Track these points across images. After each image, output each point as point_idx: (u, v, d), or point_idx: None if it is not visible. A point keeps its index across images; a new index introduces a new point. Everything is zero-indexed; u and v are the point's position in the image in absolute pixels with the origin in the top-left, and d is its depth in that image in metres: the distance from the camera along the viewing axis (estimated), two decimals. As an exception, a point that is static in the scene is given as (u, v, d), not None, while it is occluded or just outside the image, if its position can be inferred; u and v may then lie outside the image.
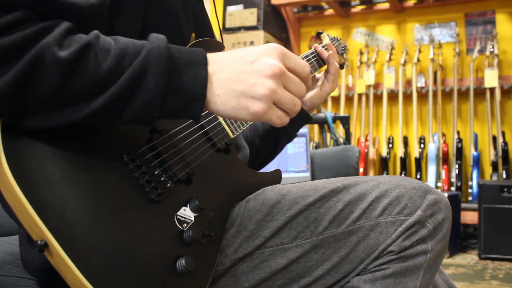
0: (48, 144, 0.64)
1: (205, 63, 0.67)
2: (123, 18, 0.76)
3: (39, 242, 0.59)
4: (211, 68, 0.67)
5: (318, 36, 1.32)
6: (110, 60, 0.63)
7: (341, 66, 1.33)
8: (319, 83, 1.21)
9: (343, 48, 1.33)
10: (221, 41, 1.00)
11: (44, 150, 0.64)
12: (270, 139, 1.18)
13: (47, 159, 0.63)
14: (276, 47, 0.69)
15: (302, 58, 1.15)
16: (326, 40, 1.29)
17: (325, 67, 1.22)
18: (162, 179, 0.73)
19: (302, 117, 1.19)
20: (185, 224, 0.73)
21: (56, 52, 0.60)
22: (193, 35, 0.91)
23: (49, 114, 0.62)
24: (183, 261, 0.69)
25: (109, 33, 0.73)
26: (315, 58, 1.20)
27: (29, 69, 0.59)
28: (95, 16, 0.70)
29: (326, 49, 1.22)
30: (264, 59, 0.67)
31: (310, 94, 1.19)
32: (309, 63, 1.16)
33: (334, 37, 1.32)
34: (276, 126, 0.69)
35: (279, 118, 0.68)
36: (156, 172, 0.72)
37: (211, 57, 0.69)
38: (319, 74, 1.23)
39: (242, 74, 0.67)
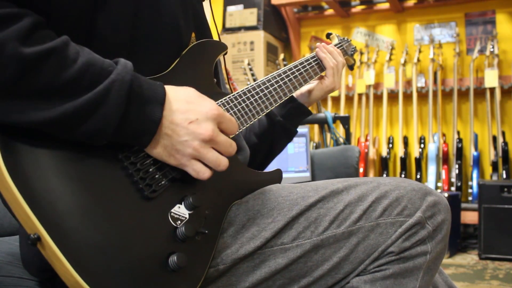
0: (44, 140, 0.66)
1: (162, 103, 0.72)
2: (108, 14, 0.76)
3: (32, 235, 0.61)
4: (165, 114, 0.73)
5: (328, 37, 1.31)
6: (72, 71, 0.65)
7: (351, 67, 1.32)
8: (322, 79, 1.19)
9: (353, 49, 1.32)
10: None
11: (39, 146, 0.65)
12: (267, 135, 1.16)
13: (42, 155, 0.65)
14: (215, 114, 0.76)
15: (302, 62, 1.14)
16: (335, 40, 1.28)
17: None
18: (157, 176, 0.74)
19: (299, 110, 1.16)
20: (179, 221, 0.74)
21: (18, 46, 0.61)
22: (193, 34, 0.91)
23: None
24: (175, 257, 0.70)
25: (91, 29, 0.74)
26: (316, 61, 1.18)
27: None
28: (70, 7, 0.70)
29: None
30: (200, 123, 0.74)
31: (311, 85, 1.17)
32: (309, 67, 1.14)
33: (343, 38, 1.31)
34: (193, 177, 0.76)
35: (196, 171, 0.75)
36: (150, 170, 0.73)
37: (169, 100, 0.74)
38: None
39: (178, 128, 0.73)
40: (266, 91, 0.99)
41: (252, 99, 0.95)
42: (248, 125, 0.93)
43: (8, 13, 0.61)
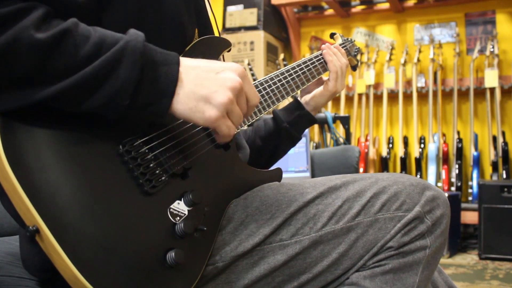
0: (45, 132, 0.66)
1: (177, 63, 0.70)
2: (113, 14, 0.77)
3: (30, 227, 0.61)
4: (182, 74, 0.70)
5: (332, 36, 1.31)
6: (88, 47, 0.65)
7: (354, 68, 1.32)
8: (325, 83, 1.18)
9: (356, 50, 1.31)
10: None
11: (40, 138, 0.65)
12: (272, 140, 1.17)
13: (43, 147, 0.65)
14: (240, 68, 0.74)
15: (312, 58, 1.14)
16: (339, 40, 1.28)
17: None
18: (157, 172, 0.74)
19: (305, 118, 1.17)
20: (178, 218, 0.74)
21: (33, 34, 0.62)
22: (196, 31, 0.91)
23: (18, 93, 0.63)
24: (173, 253, 0.70)
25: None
26: (320, 62, 1.17)
27: (5, 50, 0.60)
28: (80, 7, 0.71)
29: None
30: (229, 72, 0.72)
31: (313, 93, 1.17)
32: (313, 66, 1.15)
33: (347, 38, 1.30)
34: (222, 137, 0.74)
35: (228, 128, 0.72)
36: (151, 165, 0.73)
37: (181, 59, 0.72)
38: (327, 77, 1.21)
39: (207, 80, 0.71)
40: (268, 89, 1.00)
41: None
42: (251, 122, 0.94)
43: (19, 8, 0.63)
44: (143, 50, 0.67)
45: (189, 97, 0.70)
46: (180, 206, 0.75)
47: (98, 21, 0.75)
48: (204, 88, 0.70)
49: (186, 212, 0.76)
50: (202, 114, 0.70)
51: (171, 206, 0.74)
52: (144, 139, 0.75)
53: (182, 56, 0.84)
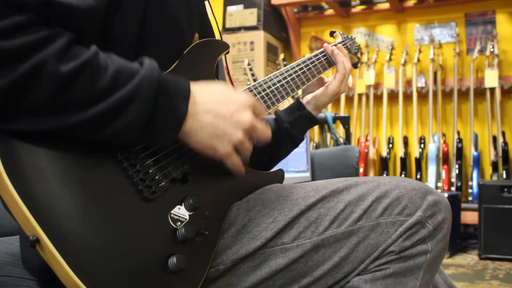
0: (42, 142, 0.66)
1: (187, 97, 0.73)
2: (121, 19, 0.77)
3: (31, 237, 0.61)
4: (194, 108, 0.74)
5: (332, 34, 1.30)
6: (105, 80, 0.66)
7: (355, 66, 1.31)
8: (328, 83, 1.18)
9: (357, 48, 1.30)
10: None
11: (38, 148, 0.65)
12: (273, 140, 1.16)
13: (40, 157, 0.65)
14: (251, 102, 0.80)
15: (311, 57, 1.14)
16: (339, 38, 1.27)
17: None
18: (157, 177, 0.74)
19: (306, 118, 1.15)
20: (179, 223, 0.74)
21: (56, 65, 0.62)
22: (196, 35, 0.91)
23: (32, 120, 0.64)
24: (174, 259, 0.70)
25: (104, 33, 0.75)
26: (325, 57, 1.17)
27: (27, 77, 0.61)
28: (94, 18, 0.71)
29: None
30: (242, 113, 0.77)
31: (315, 93, 1.16)
32: (318, 62, 1.14)
33: (347, 36, 1.30)
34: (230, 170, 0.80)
35: (233, 165, 0.79)
36: (150, 171, 0.73)
37: (197, 94, 0.75)
38: (328, 79, 1.20)
39: (222, 121, 0.76)
40: (268, 90, 1.00)
41: (258, 96, 0.96)
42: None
43: (44, 36, 0.63)
44: (157, 86, 0.69)
45: (204, 137, 0.75)
46: (180, 211, 0.75)
47: (108, 28, 0.76)
48: (219, 130, 0.76)
49: (187, 217, 0.76)
50: (214, 152, 0.77)
51: (172, 212, 0.74)
52: (143, 145, 0.74)
53: (180, 60, 0.85)
